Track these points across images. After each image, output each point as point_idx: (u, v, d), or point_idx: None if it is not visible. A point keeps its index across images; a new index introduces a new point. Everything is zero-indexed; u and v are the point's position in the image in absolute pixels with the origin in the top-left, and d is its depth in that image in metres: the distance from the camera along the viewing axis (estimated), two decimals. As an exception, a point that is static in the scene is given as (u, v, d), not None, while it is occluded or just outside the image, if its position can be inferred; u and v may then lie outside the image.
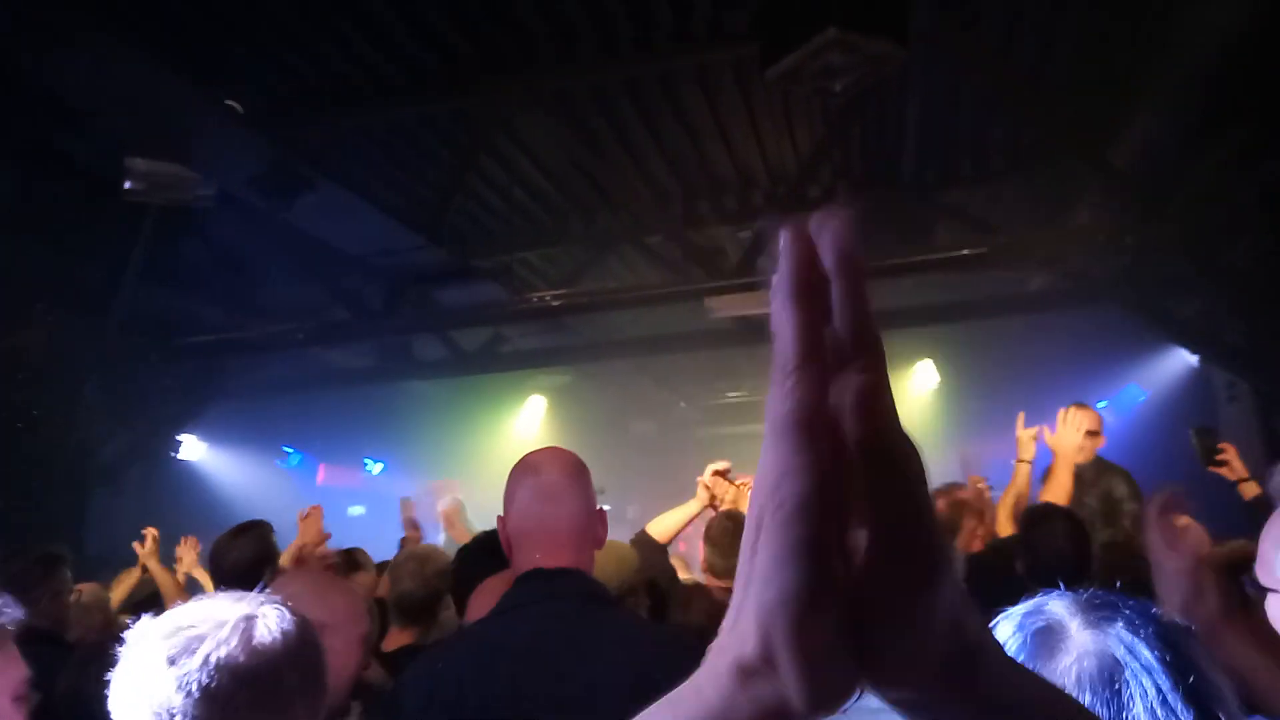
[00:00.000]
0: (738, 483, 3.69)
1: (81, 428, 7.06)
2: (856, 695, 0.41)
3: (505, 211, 6.81)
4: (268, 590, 2.06)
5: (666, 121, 5.86)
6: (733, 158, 6.48)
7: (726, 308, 6.41)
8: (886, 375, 0.42)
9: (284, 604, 1.18)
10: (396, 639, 3.39)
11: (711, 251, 6.99)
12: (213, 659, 1.06)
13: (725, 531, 3.38)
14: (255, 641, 1.10)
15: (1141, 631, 0.86)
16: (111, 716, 1.10)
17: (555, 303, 6.52)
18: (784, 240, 0.44)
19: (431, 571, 3.42)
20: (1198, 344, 6.18)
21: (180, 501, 8.48)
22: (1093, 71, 4.88)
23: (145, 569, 4.91)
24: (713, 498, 3.60)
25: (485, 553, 2.66)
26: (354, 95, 4.75)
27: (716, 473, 3.60)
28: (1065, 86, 5.03)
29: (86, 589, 4.36)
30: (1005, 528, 3.94)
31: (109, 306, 6.32)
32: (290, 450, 10.40)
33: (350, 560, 4.45)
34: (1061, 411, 4.18)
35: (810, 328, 0.43)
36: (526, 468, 1.88)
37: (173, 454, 8.76)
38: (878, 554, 0.40)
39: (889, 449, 0.41)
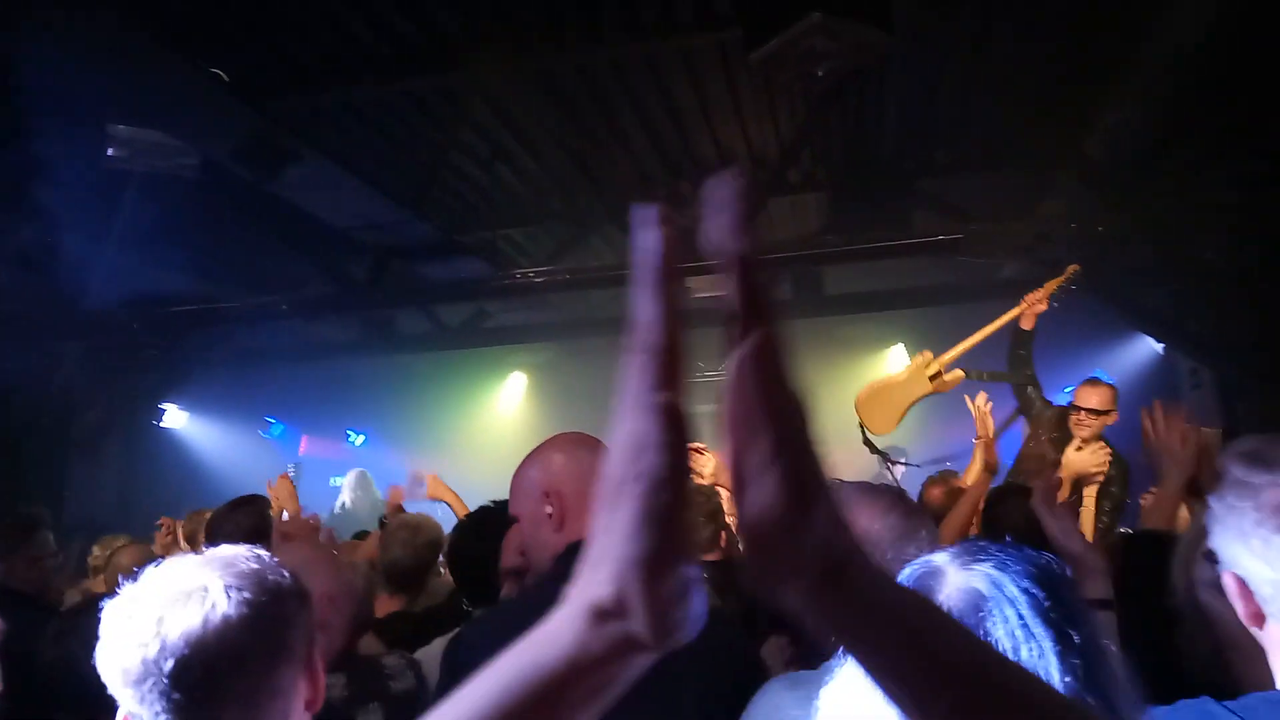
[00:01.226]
0: (715, 457, 3.79)
1: (62, 395, 7.08)
2: (691, 623, 0.49)
3: (489, 188, 6.84)
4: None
5: (651, 103, 5.91)
6: (716, 140, 6.53)
7: (706, 287, 6.48)
8: (776, 338, 0.50)
9: (259, 566, 1.13)
10: (386, 605, 3.48)
11: (693, 232, 7.05)
12: (176, 632, 1.02)
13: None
14: (215, 612, 1.04)
15: (1010, 569, 0.92)
16: (100, 680, 1.07)
17: (538, 279, 6.59)
18: (642, 225, 0.50)
19: (422, 541, 3.50)
20: (1163, 332, 6.35)
21: (162, 470, 8.51)
22: (1068, 63, 4.97)
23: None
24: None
25: (483, 529, 2.73)
26: (340, 69, 4.77)
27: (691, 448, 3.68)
28: (1041, 78, 5.13)
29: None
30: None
31: (91, 274, 6.33)
32: (273, 421, 10.43)
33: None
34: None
35: (665, 315, 0.50)
36: (579, 444, 1.90)
37: (155, 423, 8.78)
38: (767, 482, 0.48)
39: (774, 400, 0.50)
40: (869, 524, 1.61)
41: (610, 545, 0.48)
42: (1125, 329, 7.26)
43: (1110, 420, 4.29)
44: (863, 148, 6.54)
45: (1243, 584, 1.26)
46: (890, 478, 5.76)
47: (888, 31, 4.52)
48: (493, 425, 11.14)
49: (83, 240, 5.83)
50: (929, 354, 4.69)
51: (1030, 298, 4.68)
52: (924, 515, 1.68)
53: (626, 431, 0.48)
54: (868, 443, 5.89)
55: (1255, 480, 1.24)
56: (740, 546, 0.52)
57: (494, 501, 2.79)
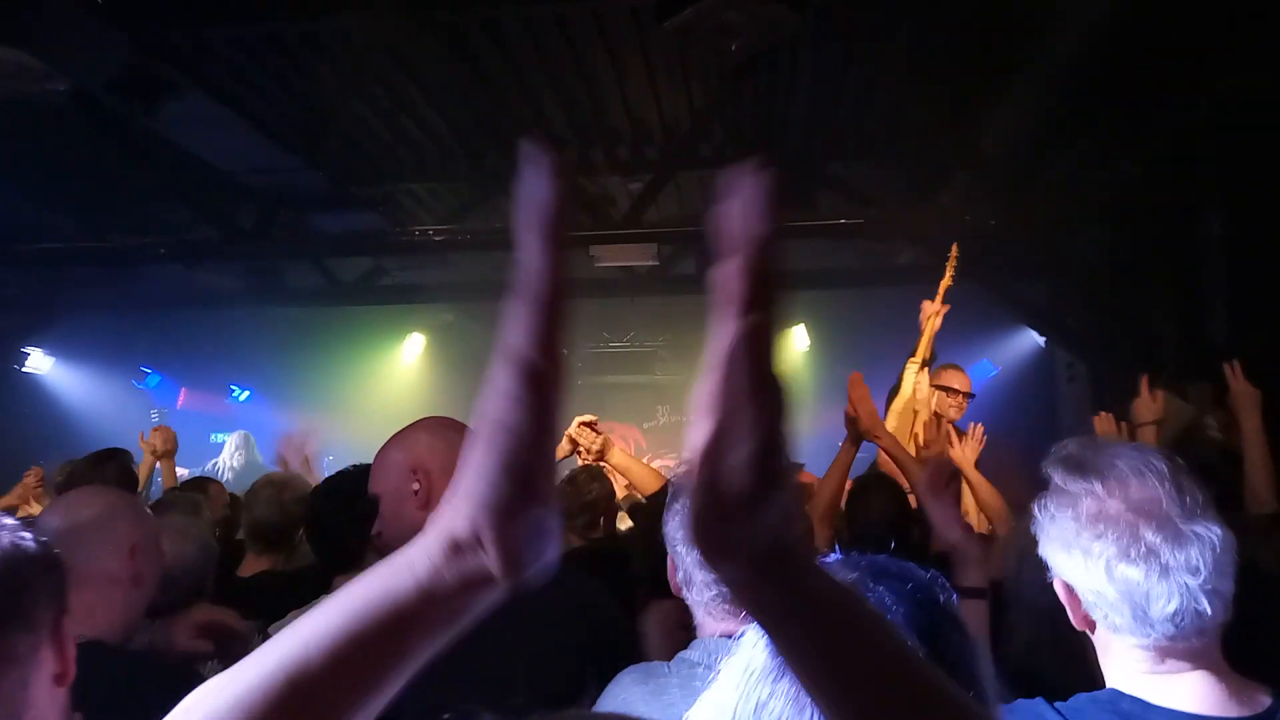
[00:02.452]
0: (605, 435, 3.75)
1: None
2: (541, 564, 0.52)
3: (390, 141, 6.59)
4: (73, 502, 1.97)
5: (563, 65, 5.78)
6: (628, 108, 6.45)
7: (612, 257, 6.45)
8: (769, 327, 0.50)
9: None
10: (253, 565, 3.33)
11: (600, 200, 6.99)
12: None
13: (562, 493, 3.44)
14: None
15: (891, 610, 0.83)
16: None
17: (439, 237, 6.40)
18: (535, 170, 0.50)
19: (290, 498, 3.35)
20: (1042, 326, 6.64)
21: (24, 417, 7.99)
22: (968, 60, 5.09)
23: None
24: (575, 447, 3.65)
25: (342, 495, 2.62)
26: (229, 1, 4.48)
27: (583, 424, 3.64)
28: (943, 71, 5.24)
29: None
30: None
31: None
32: (149, 370, 9.90)
33: (200, 489, 4.29)
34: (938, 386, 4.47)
35: (550, 267, 0.50)
36: (445, 424, 1.89)
37: (16, 366, 8.22)
38: (739, 458, 0.49)
39: (760, 383, 0.50)
40: None
41: (471, 485, 0.50)
42: (1010, 321, 7.56)
43: (964, 404, 4.56)
44: (772, 126, 6.58)
45: (1071, 591, 1.27)
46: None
47: (799, 11, 4.54)
48: (389, 386, 10.86)
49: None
50: (916, 363, 4.73)
51: (943, 284, 4.82)
52: None
53: (496, 378, 0.49)
54: None
55: (1073, 488, 1.25)
56: (693, 509, 0.51)
57: (354, 465, 2.66)
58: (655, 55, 5.73)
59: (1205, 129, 4.81)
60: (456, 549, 0.51)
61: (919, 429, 4.62)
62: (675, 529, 1.63)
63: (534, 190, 0.50)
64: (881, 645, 0.55)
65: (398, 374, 11.08)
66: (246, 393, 10.81)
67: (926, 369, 4.74)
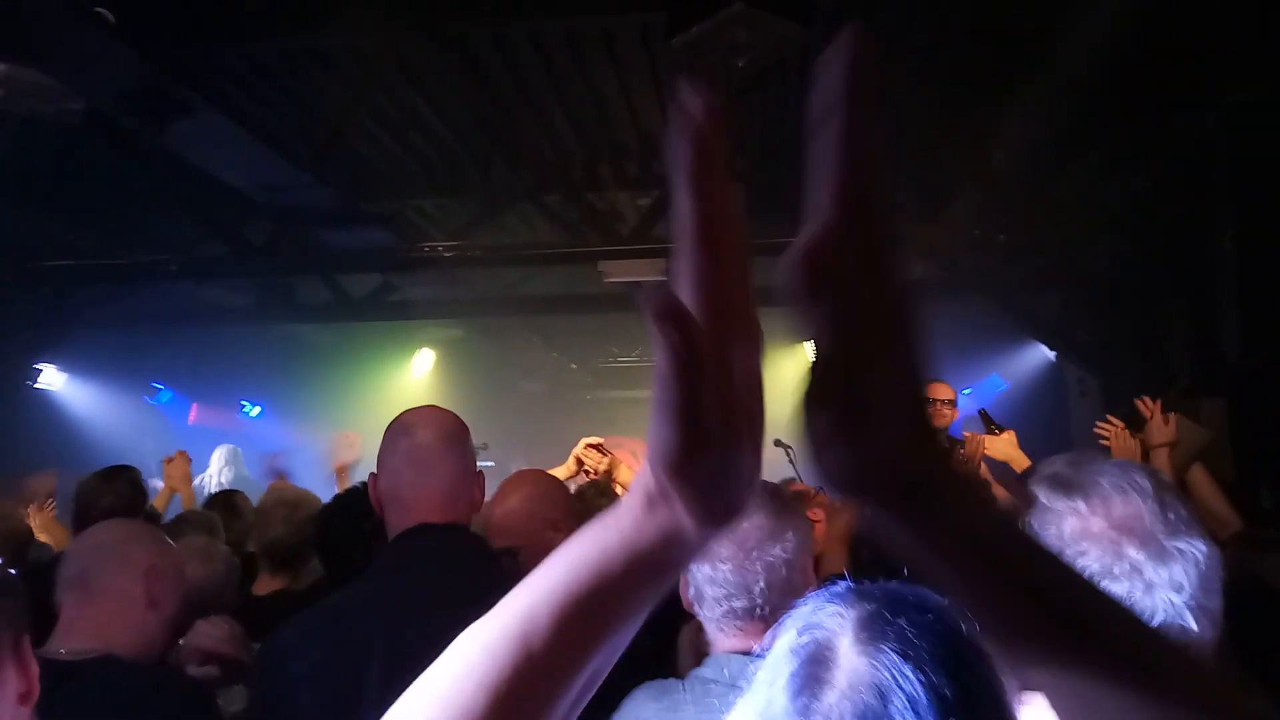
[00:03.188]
0: (612, 455, 3.74)
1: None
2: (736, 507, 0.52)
3: (399, 155, 6.62)
4: (97, 529, 2.02)
5: (572, 80, 5.81)
6: (636, 123, 6.48)
7: (620, 273, 6.45)
8: (883, 215, 0.50)
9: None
10: (267, 585, 3.33)
11: (609, 215, 7.00)
12: None
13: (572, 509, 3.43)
14: None
15: (913, 652, 0.77)
16: None
17: (448, 253, 6.41)
18: (684, 109, 0.47)
19: (303, 517, 3.36)
20: (1054, 340, 6.60)
21: (36, 434, 8.03)
22: (975, 71, 5.09)
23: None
24: (581, 468, 3.64)
25: (350, 512, 2.62)
26: (239, 20, 4.52)
27: (590, 445, 3.64)
28: (952, 84, 5.23)
29: None
30: None
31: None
32: (160, 386, 9.94)
33: (229, 505, 4.31)
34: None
35: (700, 211, 0.48)
36: (401, 429, 1.85)
37: (29, 383, 8.26)
38: (897, 411, 0.49)
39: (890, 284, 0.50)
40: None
41: (651, 439, 0.51)
42: (1020, 335, 7.52)
43: (954, 415, 4.73)
44: (780, 141, 6.58)
45: None
46: (793, 470, 5.85)
47: (806, 26, 4.56)
48: (398, 402, 10.83)
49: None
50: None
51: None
52: (795, 515, 1.63)
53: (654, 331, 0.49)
54: (778, 441, 5.96)
55: (1058, 506, 1.24)
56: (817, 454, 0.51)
57: (362, 484, 2.67)
58: (663, 71, 5.75)
59: (1216, 141, 4.79)
60: (651, 502, 0.53)
61: None
62: None
63: (681, 128, 0.48)
64: (1048, 577, 0.53)
65: (408, 389, 11.10)
66: (258, 408, 10.83)
67: None
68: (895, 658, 0.76)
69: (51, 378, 8.46)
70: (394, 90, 5.67)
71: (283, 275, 7.37)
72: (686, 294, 0.49)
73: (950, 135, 5.48)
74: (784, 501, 1.67)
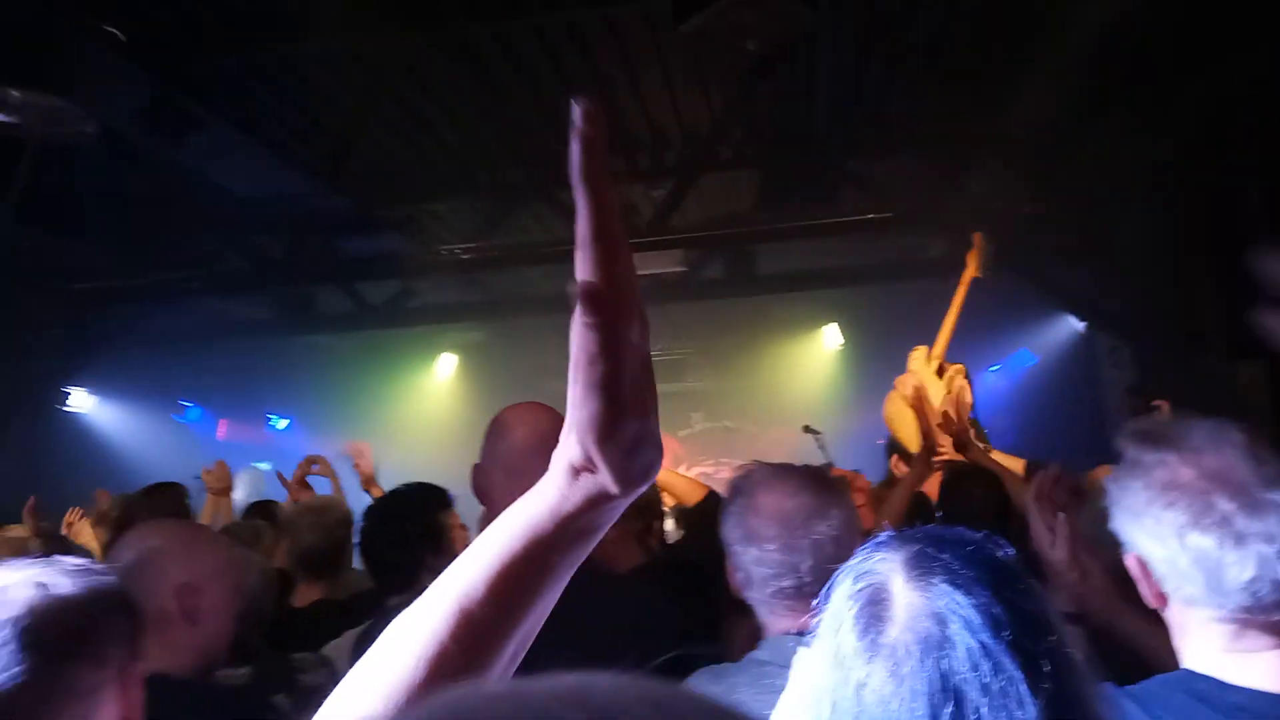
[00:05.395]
0: None
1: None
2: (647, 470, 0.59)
3: (410, 159, 6.62)
4: (127, 542, 1.98)
5: (578, 73, 5.77)
6: (647, 114, 6.43)
7: (640, 266, 6.40)
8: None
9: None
10: (305, 594, 3.31)
11: (624, 208, 6.96)
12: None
13: None
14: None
15: (962, 582, 0.83)
16: None
17: (465, 255, 6.41)
18: (578, 126, 0.55)
19: (332, 521, 3.34)
20: (1084, 311, 6.49)
21: (68, 456, 8.12)
22: (991, 43, 5.00)
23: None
24: None
25: (393, 515, 2.62)
26: (243, 29, 4.52)
27: None
28: (965, 57, 5.15)
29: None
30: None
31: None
32: (188, 404, 10.03)
33: (268, 513, 4.30)
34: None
35: (593, 209, 0.55)
36: (501, 427, 1.87)
37: (59, 406, 8.36)
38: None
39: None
40: (780, 503, 1.58)
41: (572, 412, 0.57)
42: (1047, 308, 7.41)
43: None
44: (793, 125, 6.52)
45: (1143, 565, 1.25)
46: (823, 456, 5.81)
47: (814, 6, 4.49)
48: (423, 408, 10.91)
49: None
50: (923, 349, 4.65)
51: (965, 276, 4.74)
52: (838, 494, 1.64)
53: (574, 316, 0.55)
54: (806, 427, 5.93)
55: (1146, 459, 1.24)
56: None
57: (405, 485, 2.68)
58: (671, 58, 5.70)
59: (1239, 102, 4.68)
60: (574, 472, 0.59)
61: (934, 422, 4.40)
62: (731, 530, 1.63)
63: (574, 144, 0.55)
64: None
65: (433, 395, 11.13)
66: (286, 421, 10.90)
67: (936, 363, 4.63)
68: (946, 587, 0.83)
69: (81, 400, 8.56)
70: (401, 93, 5.67)
71: (302, 285, 7.40)
72: (583, 284, 0.55)
73: (964, 109, 5.39)
74: (827, 482, 1.68)
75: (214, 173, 5.09)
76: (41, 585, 1.00)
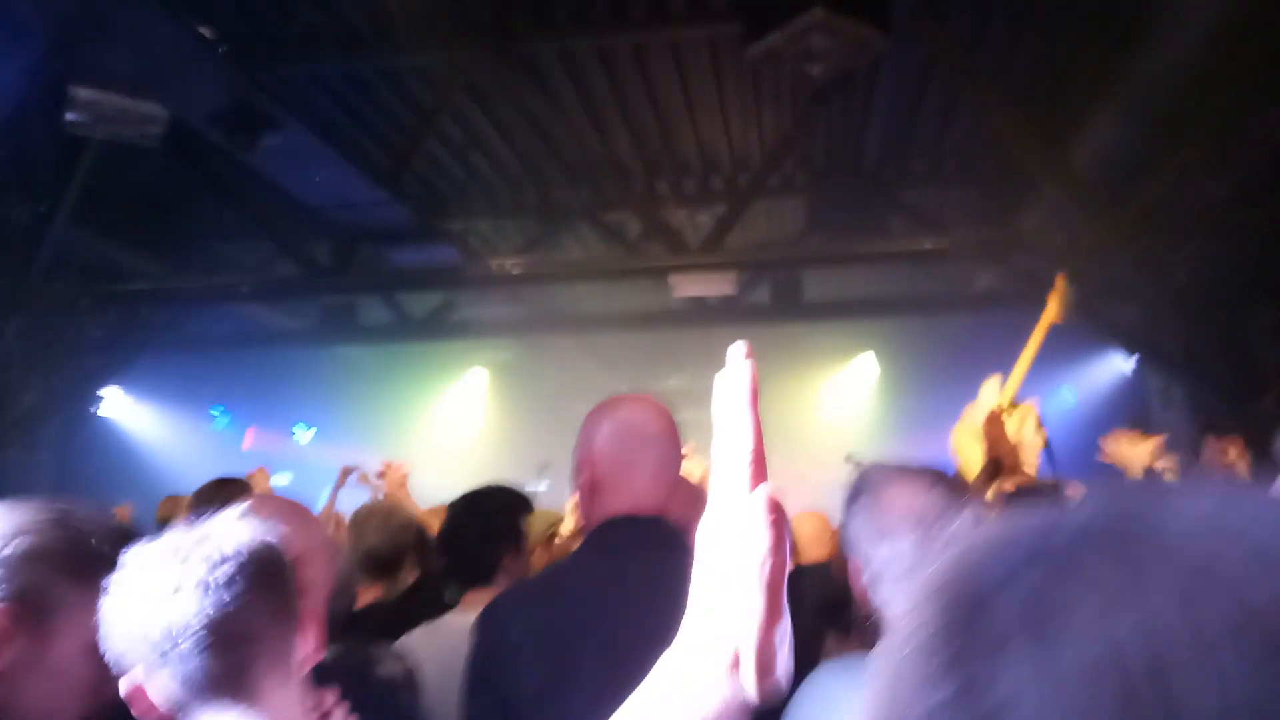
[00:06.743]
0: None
1: (-1, 375, 6.68)
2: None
3: (462, 177, 6.66)
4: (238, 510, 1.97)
5: (636, 96, 5.82)
6: (698, 139, 6.47)
7: (690, 287, 6.40)
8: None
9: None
10: (364, 595, 3.31)
11: (672, 230, 6.97)
12: (216, 575, 1.04)
13: None
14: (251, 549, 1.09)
15: None
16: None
17: (515, 270, 6.41)
18: (740, 356, 0.59)
19: (397, 524, 3.35)
20: (1137, 348, 6.43)
21: (101, 459, 8.12)
22: (1057, 73, 5.02)
23: None
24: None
25: (481, 512, 2.63)
26: (321, 41, 4.58)
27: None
28: (1029, 86, 5.16)
29: None
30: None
31: (35, 248, 5.96)
32: (218, 411, 10.03)
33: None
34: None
35: (759, 433, 0.58)
36: (615, 421, 1.85)
37: (93, 409, 8.37)
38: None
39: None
40: (912, 501, 1.55)
41: (731, 616, 0.56)
42: (1092, 345, 7.34)
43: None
44: (845, 154, 6.53)
45: None
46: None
47: (885, 31, 4.51)
48: (450, 423, 10.90)
49: (32, 209, 5.52)
50: (997, 378, 4.55)
51: (1044, 318, 4.62)
52: (964, 492, 1.66)
53: (745, 523, 0.56)
54: (849, 457, 5.88)
55: None
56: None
57: (491, 484, 2.72)
58: (728, 84, 5.74)
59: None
60: (730, 670, 0.56)
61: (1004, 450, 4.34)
62: (859, 529, 1.59)
63: (737, 373, 0.58)
64: None
65: (460, 409, 11.12)
66: (312, 430, 10.86)
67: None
68: None
69: (114, 403, 8.57)
70: (460, 111, 5.71)
71: (351, 294, 7.43)
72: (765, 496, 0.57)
73: (1024, 140, 5.38)
74: (953, 481, 1.67)
75: (280, 175, 5.13)
76: (254, 530, 1.11)
